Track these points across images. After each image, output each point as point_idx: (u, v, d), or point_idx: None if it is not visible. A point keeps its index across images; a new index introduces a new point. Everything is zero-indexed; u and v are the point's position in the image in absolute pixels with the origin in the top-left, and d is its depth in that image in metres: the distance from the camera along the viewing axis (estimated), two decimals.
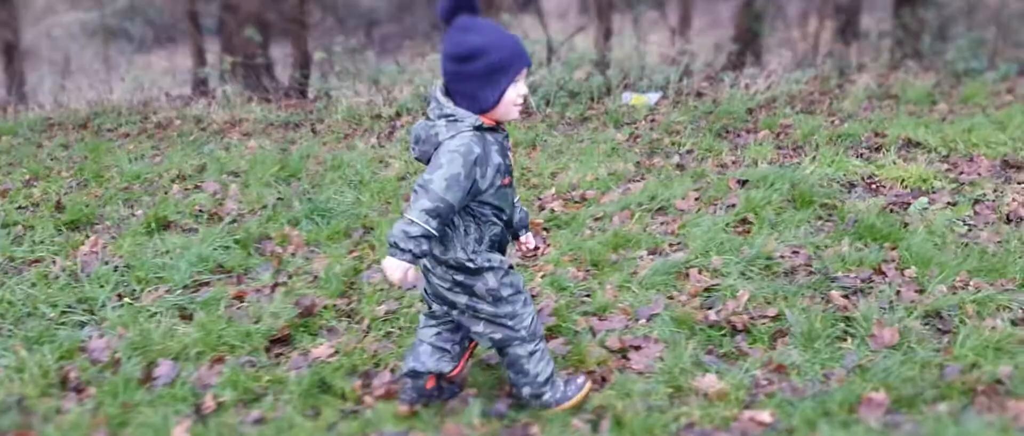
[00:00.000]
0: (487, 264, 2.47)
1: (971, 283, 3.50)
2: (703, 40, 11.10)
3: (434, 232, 2.26)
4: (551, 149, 6.15)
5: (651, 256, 3.94)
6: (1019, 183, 4.90)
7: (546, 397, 2.66)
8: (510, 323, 2.54)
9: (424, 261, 2.51)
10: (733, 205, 4.53)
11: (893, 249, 3.88)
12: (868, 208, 4.40)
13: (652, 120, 7.03)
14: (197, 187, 5.35)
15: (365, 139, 6.87)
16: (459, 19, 2.32)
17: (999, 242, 3.98)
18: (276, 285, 3.71)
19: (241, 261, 3.98)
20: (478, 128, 2.33)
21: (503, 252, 2.60)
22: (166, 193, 5.24)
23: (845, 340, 3.06)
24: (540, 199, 4.90)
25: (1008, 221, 4.29)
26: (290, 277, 3.82)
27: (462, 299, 2.52)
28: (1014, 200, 4.54)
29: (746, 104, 7.40)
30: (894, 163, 5.27)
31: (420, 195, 2.26)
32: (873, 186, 4.96)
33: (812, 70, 8.27)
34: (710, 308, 3.38)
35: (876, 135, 6.07)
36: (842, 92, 7.74)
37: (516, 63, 2.34)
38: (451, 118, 2.32)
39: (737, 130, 6.57)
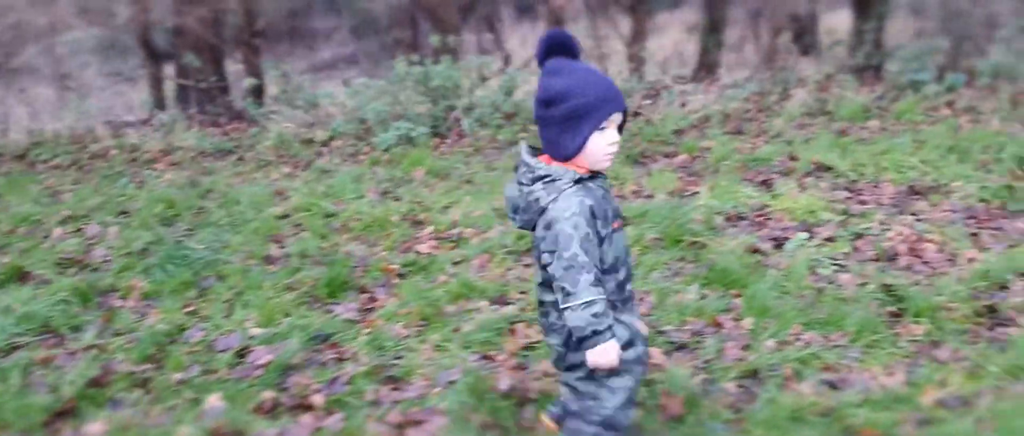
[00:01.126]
0: None
1: (804, 336, 3.31)
2: (667, 52, 10.91)
3: (606, 298, 2.21)
4: (457, 179, 6.00)
5: (493, 307, 3.78)
6: (912, 213, 4.67)
7: None
8: (590, 403, 2.41)
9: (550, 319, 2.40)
10: None
11: (738, 296, 3.69)
12: (735, 247, 4.21)
13: None
14: (78, 230, 5.27)
15: (280, 169, 6.77)
16: (551, 61, 2.25)
17: (860, 284, 3.77)
18: (92, 347, 3.60)
19: (71, 319, 3.87)
20: (578, 181, 2.23)
21: (625, 304, 2.40)
22: (46, 237, 5.16)
23: None
24: (414, 238, 4.76)
25: (878, 259, 4.07)
26: (115, 336, 3.71)
27: (562, 362, 2.43)
28: (897, 234, 4.32)
29: (678, 124, 7.21)
30: (792, 192, 5.06)
31: (574, 272, 2.16)
32: (760, 219, 4.76)
33: (752, 85, 8.03)
34: (524, 368, 3.22)
35: (791, 159, 5.86)
36: (780, 109, 7.52)
37: (603, 109, 2.20)
38: (548, 179, 2.24)
39: (655, 155, 6.39)
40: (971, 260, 3.94)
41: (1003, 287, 3.66)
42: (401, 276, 4.23)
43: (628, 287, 2.39)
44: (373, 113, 7.63)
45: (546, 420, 2.70)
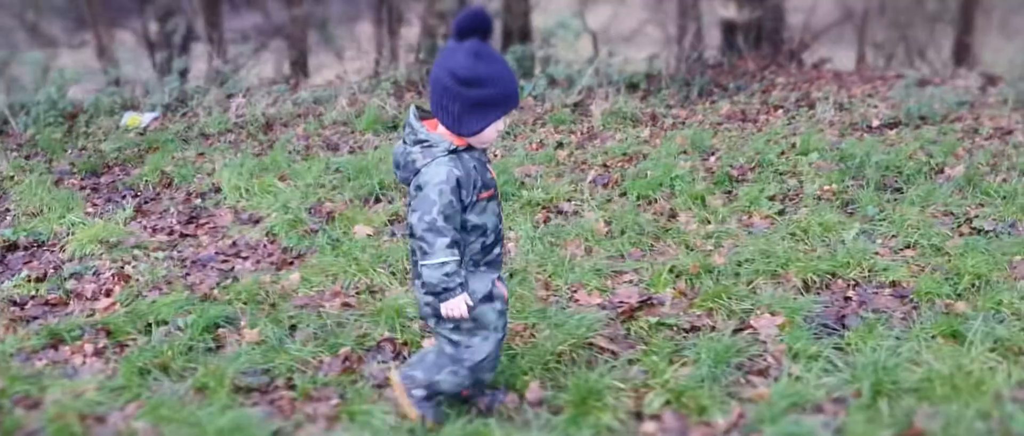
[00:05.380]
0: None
1: None
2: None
3: (459, 259, 2.46)
4: None
5: None
6: (174, 251, 4.58)
7: (418, 394, 2.77)
8: (464, 350, 2.67)
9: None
10: None
11: None
12: None
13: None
14: None
15: None
16: (472, 41, 2.35)
17: None
18: None
19: None
20: (452, 151, 2.43)
21: (490, 265, 2.66)
22: None
23: None
24: None
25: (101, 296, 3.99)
26: None
27: (431, 322, 2.65)
28: (113, 273, 4.22)
29: (222, 125, 7.05)
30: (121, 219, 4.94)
31: (432, 235, 2.40)
32: (52, 247, 4.63)
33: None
34: None
35: (209, 176, 5.71)
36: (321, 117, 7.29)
37: (509, 104, 2.44)
38: (425, 144, 2.44)
39: (123, 164, 6.20)
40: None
41: None
42: None
43: (496, 251, 2.64)
44: None
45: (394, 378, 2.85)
